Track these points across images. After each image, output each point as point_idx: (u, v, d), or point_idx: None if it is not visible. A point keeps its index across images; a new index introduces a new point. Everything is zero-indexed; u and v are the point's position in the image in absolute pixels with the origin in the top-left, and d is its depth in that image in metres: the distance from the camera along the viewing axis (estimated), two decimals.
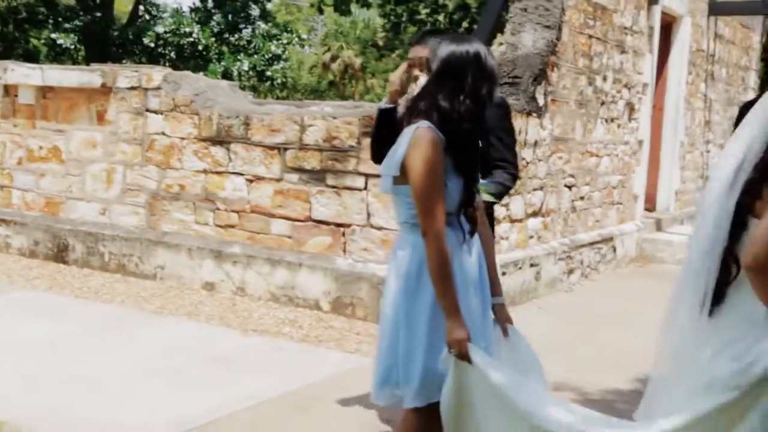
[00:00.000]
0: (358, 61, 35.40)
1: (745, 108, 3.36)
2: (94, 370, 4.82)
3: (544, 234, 7.55)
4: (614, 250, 8.92)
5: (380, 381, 2.95)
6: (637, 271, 9.02)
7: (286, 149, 6.73)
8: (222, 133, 7.02)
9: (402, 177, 2.81)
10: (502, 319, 3.05)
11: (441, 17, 24.40)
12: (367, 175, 6.38)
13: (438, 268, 2.74)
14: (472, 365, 2.70)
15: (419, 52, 3.45)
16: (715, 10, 11.33)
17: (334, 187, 6.54)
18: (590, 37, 8.22)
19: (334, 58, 38.17)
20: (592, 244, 8.40)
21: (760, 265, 2.30)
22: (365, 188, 6.39)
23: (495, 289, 3.06)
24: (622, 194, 9.32)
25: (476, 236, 2.98)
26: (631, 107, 9.33)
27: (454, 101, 2.84)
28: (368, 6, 25.69)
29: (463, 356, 2.72)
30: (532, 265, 7.20)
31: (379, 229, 6.36)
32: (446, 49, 2.94)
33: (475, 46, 2.94)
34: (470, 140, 2.87)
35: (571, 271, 7.98)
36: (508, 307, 3.16)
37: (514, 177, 3.99)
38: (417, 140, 2.76)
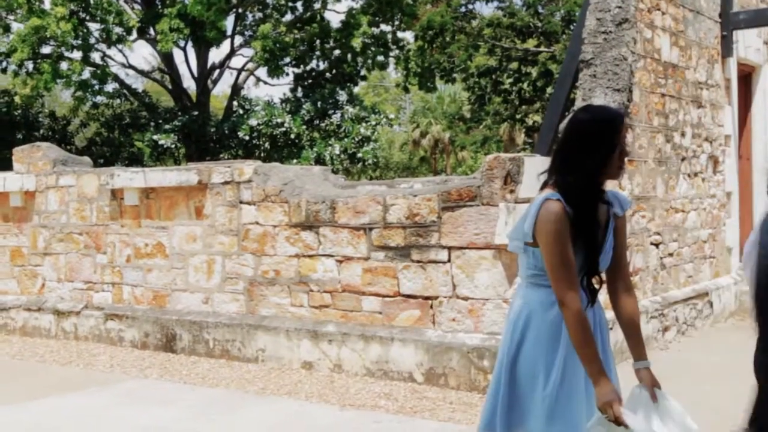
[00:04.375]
0: (446, 136, 36.03)
1: None
2: None
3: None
4: (711, 305, 8.82)
5: (483, 426, 3.12)
6: (738, 325, 8.86)
7: (371, 229, 7.04)
8: (310, 218, 7.39)
9: (531, 241, 2.98)
10: (648, 383, 3.05)
11: (525, 85, 24.74)
12: (449, 248, 6.61)
13: (579, 336, 2.86)
14: (627, 429, 2.72)
15: None
16: None
17: (419, 261, 6.78)
18: (663, 95, 8.33)
19: (423, 135, 38.98)
20: (686, 300, 8.34)
21: None
22: (449, 260, 6.61)
23: (640, 352, 3.12)
24: (715, 248, 9.24)
25: (598, 306, 3.11)
26: (714, 160, 9.32)
27: (570, 172, 2.97)
28: (452, 81, 26.30)
29: (617, 420, 2.75)
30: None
31: (465, 299, 6.54)
32: (572, 116, 3.06)
33: (593, 114, 3.00)
34: (585, 211, 2.95)
35: (666, 329, 7.94)
36: None
37: None
38: (545, 214, 2.91)
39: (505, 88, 25.02)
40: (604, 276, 3.17)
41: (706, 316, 8.72)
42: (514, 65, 24.53)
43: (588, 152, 2.94)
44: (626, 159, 3.02)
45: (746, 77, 10.37)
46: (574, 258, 2.92)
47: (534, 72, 24.10)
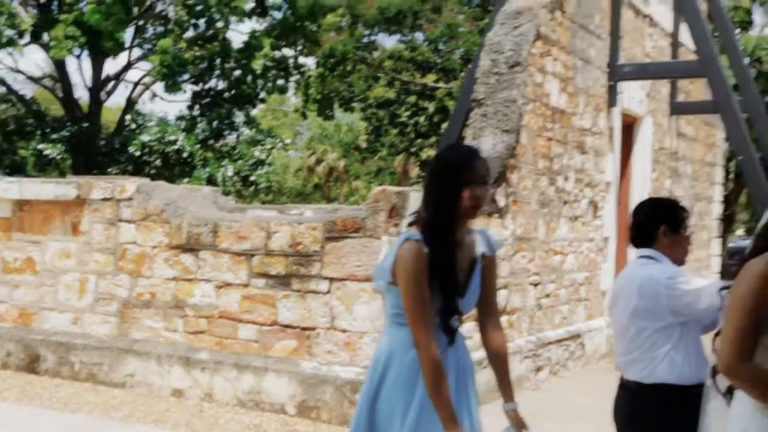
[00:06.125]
0: (342, 164, 36.12)
1: (641, 206, 3.60)
2: None
3: (510, 332, 7.68)
4: (583, 346, 9.03)
5: None
6: (608, 367, 9.08)
7: (252, 255, 6.91)
8: (191, 240, 7.21)
9: (394, 279, 2.94)
10: (516, 424, 3.09)
11: (421, 120, 25.06)
12: (331, 279, 6.55)
13: (430, 380, 2.84)
14: None
15: None
16: (675, 110, 11.76)
17: (299, 291, 6.70)
18: (549, 139, 8.53)
19: (318, 162, 38.94)
20: (560, 341, 8.52)
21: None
22: (329, 292, 6.55)
23: (508, 393, 3.13)
24: (590, 291, 9.49)
25: (462, 347, 3.07)
26: (594, 205, 9.60)
27: (426, 211, 2.95)
28: (351, 110, 26.43)
29: None
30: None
31: (343, 331, 6.48)
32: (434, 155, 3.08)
33: (445, 153, 3.01)
34: (440, 251, 2.91)
35: (539, 369, 8.07)
36: None
37: None
38: (402, 254, 2.88)
39: (402, 121, 25.30)
40: (472, 315, 3.18)
41: (578, 357, 8.92)
42: (412, 99, 24.85)
43: (439, 190, 2.95)
44: (483, 198, 2.96)
45: (629, 127, 10.76)
46: (433, 298, 2.90)
47: (431, 107, 24.47)
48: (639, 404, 3.46)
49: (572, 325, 8.97)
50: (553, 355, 8.36)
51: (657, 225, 3.51)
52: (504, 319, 7.62)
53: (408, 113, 25.18)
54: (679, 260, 3.53)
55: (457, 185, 2.91)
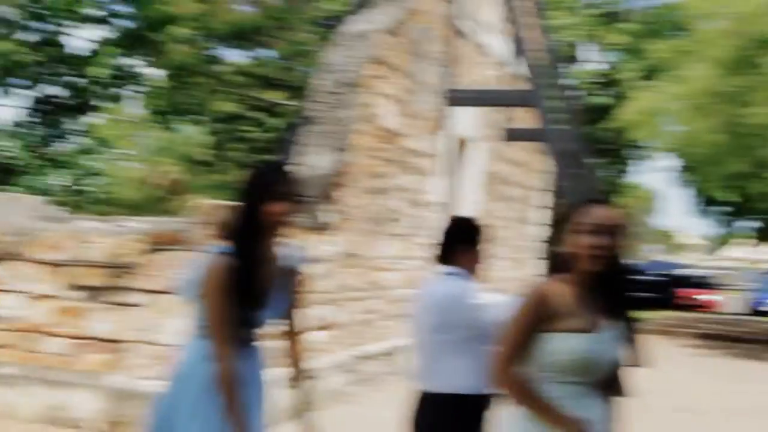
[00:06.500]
0: (183, 177, 35.41)
1: (454, 224, 3.73)
2: None
3: (330, 346, 7.75)
4: (403, 361, 9.21)
5: None
6: None
7: (67, 266, 6.67)
8: (1, 250, 6.87)
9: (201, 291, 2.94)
10: None
11: (267, 135, 24.93)
12: (147, 291, 6.41)
13: (224, 393, 2.88)
14: None
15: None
16: (507, 136, 12.27)
17: (114, 303, 6.51)
18: (380, 159, 8.71)
19: (159, 174, 38.02)
20: (380, 355, 8.67)
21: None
22: (144, 305, 6.40)
23: (303, 407, 3.22)
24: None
25: (259, 361, 3.12)
26: (420, 224, 9.85)
27: (234, 223, 2.98)
28: (193, 123, 26.02)
29: None
30: (311, 378, 7.35)
31: (157, 345, 6.34)
32: None
33: (256, 167, 3.08)
34: (242, 263, 2.94)
35: (358, 383, 8.18)
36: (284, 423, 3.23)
37: None
38: (209, 266, 2.92)
39: (246, 136, 25.12)
40: (276, 328, 3.22)
41: (397, 371, 9.09)
42: (257, 114, 24.72)
43: (243, 205, 3.00)
44: (286, 214, 2.98)
45: (459, 149, 11.13)
46: (236, 310, 2.93)
47: (277, 123, 24.42)
48: (434, 413, 3.58)
49: (393, 339, 9.13)
50: (372, 369, 8.49)
51: (454, 242, 3.67)
52: (325, 334, 7.68)
53: (252, 128, 25.02)
54: (474, 275, 3.69)
55: (258, 200, 2.97)
